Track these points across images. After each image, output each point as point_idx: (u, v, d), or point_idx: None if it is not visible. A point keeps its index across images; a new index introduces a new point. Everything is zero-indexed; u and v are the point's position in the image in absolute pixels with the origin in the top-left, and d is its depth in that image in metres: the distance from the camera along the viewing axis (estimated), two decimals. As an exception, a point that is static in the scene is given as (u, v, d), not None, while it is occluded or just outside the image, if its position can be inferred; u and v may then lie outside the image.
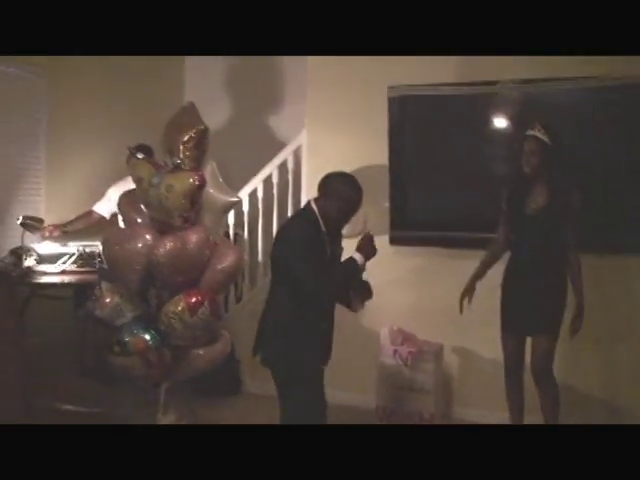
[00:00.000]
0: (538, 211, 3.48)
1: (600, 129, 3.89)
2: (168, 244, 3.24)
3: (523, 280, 3.53)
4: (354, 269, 2.89)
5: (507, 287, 3.60)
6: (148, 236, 3.33)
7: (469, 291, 3.67)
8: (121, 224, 3.76)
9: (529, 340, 3.57)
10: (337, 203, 2.90)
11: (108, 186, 4.52)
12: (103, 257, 3.46)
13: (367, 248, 2.91)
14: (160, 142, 3.41)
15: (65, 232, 4.48)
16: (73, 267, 4.27)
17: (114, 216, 4.43)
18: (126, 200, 3.52)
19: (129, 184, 4.54)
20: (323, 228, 2.92)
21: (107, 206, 4.59)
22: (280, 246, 2.94)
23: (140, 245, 3.30)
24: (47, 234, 4.43)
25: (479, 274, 3.69)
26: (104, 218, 4.59)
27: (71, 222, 4.53)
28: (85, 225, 4.53)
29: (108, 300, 3.37)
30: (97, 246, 4.35)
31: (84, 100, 4.91)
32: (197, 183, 3.21)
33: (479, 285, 3.68)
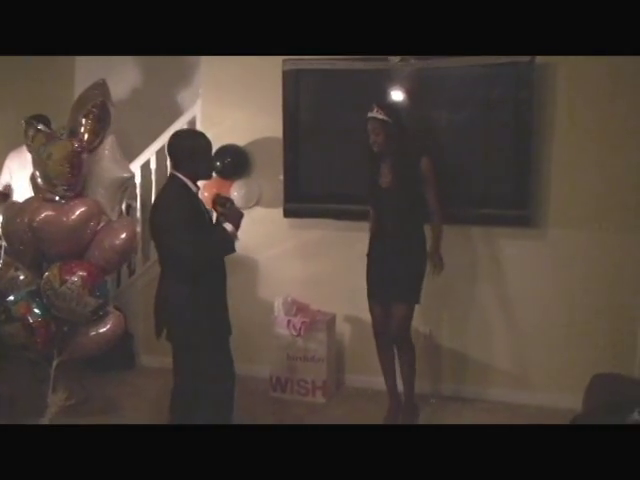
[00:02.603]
0: (390, 184, 3.70)
1: (486, 106, 4.09)
2: (44, 212, 3.25)
3: (383, 250, 3.75)
4: (228, 237, 2.96)
5: (371, 257, 3.82)
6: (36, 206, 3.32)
7: None
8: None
9: None
10: (191, 158, 2.94)
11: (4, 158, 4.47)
12: (0, 230, 3.44)
13: (233, 214, 3.00)
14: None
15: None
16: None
17: (7, 187, 4.36)
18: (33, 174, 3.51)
19: (22, 154, 4.42)
20: (194, 189, 2.98)
21: (6, 179, 4.49)
22: (156, 217, 2.96)
23: (30, 217, 3.29)
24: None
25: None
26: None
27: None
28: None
29: (5, 273, 3.45)
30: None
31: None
32: (75, 147, 3.22)
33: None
